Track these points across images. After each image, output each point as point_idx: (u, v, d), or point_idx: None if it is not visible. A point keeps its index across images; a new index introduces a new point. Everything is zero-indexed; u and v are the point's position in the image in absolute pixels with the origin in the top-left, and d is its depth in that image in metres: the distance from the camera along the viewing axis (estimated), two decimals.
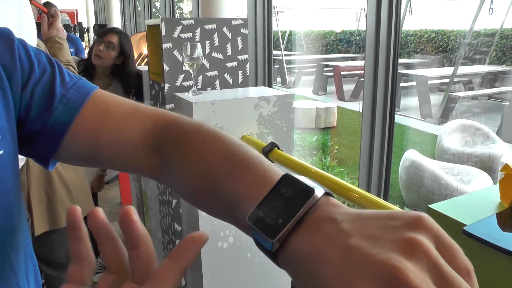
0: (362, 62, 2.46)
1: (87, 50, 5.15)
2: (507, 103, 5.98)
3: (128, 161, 0.55)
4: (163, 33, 1.84)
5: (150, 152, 0.53)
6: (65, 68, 0.57)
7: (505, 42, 7.79)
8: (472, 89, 7.38)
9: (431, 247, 0.27)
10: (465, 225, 0.60)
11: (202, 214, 1.56)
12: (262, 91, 1.84)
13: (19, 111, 0.52)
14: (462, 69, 7.29)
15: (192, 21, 1.91)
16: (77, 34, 6.91)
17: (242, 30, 2.01)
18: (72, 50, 3.29)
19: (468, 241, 0.58)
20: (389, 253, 0.26)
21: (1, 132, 0.49)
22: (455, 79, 6.69)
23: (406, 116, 6.94)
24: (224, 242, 1.61)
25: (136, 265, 0.30)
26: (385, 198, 2.18)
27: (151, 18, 6.58)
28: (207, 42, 1.94)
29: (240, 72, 2.04)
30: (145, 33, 2.32)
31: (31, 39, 1.39)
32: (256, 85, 3.14)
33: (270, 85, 3.16)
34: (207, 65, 1.96)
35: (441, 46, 9.87)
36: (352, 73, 9.95)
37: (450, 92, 6.25)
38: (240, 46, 2.02)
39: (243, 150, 0.46)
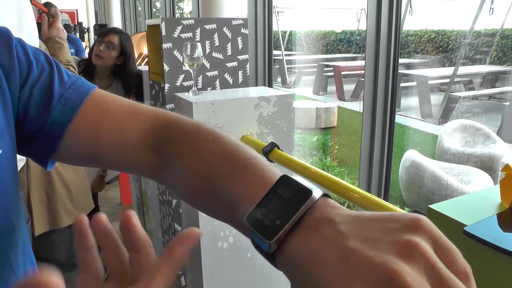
0: (362, 62, 2.46)
1: (87, 50, 5.16)
2: (507, 103, 5.98)
3: (128, 161, 0.55)
4: (163, 33, 1.84)
5: (150, 152, 0.53)
6: (63, 68, 0.57)
7: (506, 42, 7.78)
8: (472, 89, 7.38)
9: (428, 250, 0.27)
10: (465, 225, 0.60)
11: (202, 214, 1.55)
12: (262, 91, 1.83)
13: (18, 111, 0.52)
14: (463, 69, 7.29)
15: (192, 21, 1.91)
16: (77, 34, 6.91)
17: (243, 30, 2.01)
18: (72, 50, 3.29)
19: (468, 242, 0.58)
20: (386, 255, 0.26)
21: (0, 132, 0.49)
22: (456, 79, 6.68)
23: (406, 116, 6.94)
24: (224, 242, 1.61)
25: (137, 268, 0.30)
26: (385, 198, 2.18)
27: (151, 18, 6.58)
28: (207, 42, 1.94)
29: (240, 72, 2.04)
30: (145, 33, 2.32)
31: (32, 39, 1.39)
32: (256, 85, 3.14)
33: (270, 85, 3.15)
34: (207, 65, 1.96)
35: (442, 46, 9.87)
36: (353, 73, 9.95)
37: (451, 92, 6.25)
38: (240, 46, 2.01)
39: (242, 151, 0.46)
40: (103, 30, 2.67)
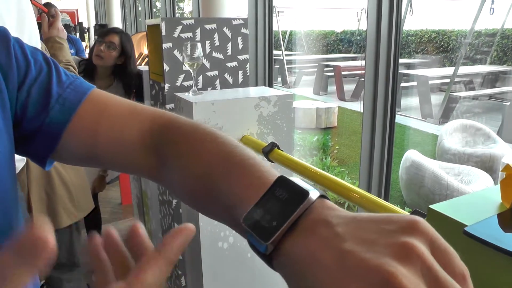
0: (362, 62, 2.46)
1: (87, 51, 5.16)
2: (508, 103, 5.97)
3: (126, 161, 0.55)
4: (163, 33, 1.84)
5: (148, 152, 0.53)
6: (62, 68, 0.57)
7: (506, 42, 7.78)
8: (473, 89, 7.37)
9: (425, 252, 0.27)
10: (466, 225, 0.60)
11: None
12: (262, 91, 1.83)
13: (16, 111, 0.52)
14: (463, 69, 7.28)
15: (192, 21, 1.90)
16: (78, 34, 6.92)
17: (243, 30, 2.01)
18: (72, 51, 3.29)
19: (468, 242, 0.58)
20: (383, 257, 0.26)
21: None
22: (456, 79, 6.68)
23: (406, 116, 6.94)
24: (224, 242, 1.61)
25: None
26: (386, 198, 2.17)
27: (151, 18, 6.58)
28: (207, 42, 1.94)
29: (240, 72, 2.04)
30: (145, 33, 2.32)
31: (32, 39, 1.39)
32: (256, 85, 3.14)
33: (270, 85, 3.15)
34: (208, 65, 1.96)
35: (442, 46, 9.86)
36: (353, 73, 9.95)
37: (451, 92, 6.24)
38: (240, 46, 2.01)
39: (240, 151, 0.45)
40: (103, 30, 2.67)
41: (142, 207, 2.94)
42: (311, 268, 0.29)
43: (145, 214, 2.93)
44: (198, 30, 1.91)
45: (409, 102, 7.52)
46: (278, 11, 10.43)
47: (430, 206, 0.65)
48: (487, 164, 3.93)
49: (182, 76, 1.92)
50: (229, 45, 1.99)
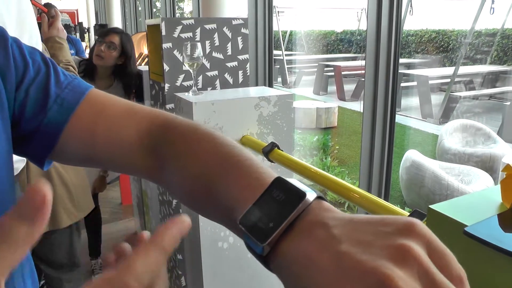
0: (362, 62, 2.46)
1: (87, 51, 5.15)
2: (508, 103, 5.97)
3: (124, 162, 0.55)
4: (163, 32, 1.84)
5: (146, 152, 0.53)
6: (60, 68, 0.57)
7: (506, 42, 7.78)
8: (473, 89, 7.37)
9: (422, 254, 0.26)
10: (466, 225, 0.60)
11: None
12: (262, 91, 1.83)
13: (14, 111, 0.52)
14: (463, 69, 7.28)
15: (192, 21, 1.90)
16: (78, 34, 6.91)
17: (243, 30, 2.00)
18: (72, 51, 3.29)
19: (469, 242, 0.58)
20: (379, 260, 0.26)
21: None
22: (456, 79, 6.68)
23: (407, 116, 6.93)
24: (224, 242, 1.61)
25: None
26: (386, 198, 2.17)
27: (151, 18, 6.58)
28: (207, 42, 1.94)
29: (240, 72, 2.04)
30: (145, 33, 2.32)
31: (33, 40, 1.39)
32: (256, 85, 3.13)
33: (270, 85, 3.15)
34: (207, 65, 1.96)
35: (442, 46, 9.86)
36: (353, 73, 9.94)
37: (451, 92, 6.24)
38: (240, 46, 2.01)
39: (238, 152, 0.45)
40: (104, 30, 2.67)
41: (142, 207, 2.94)
42: (308, 269, 0.29)
43: (145, 214, 2.93)
44: (198, 30, 1.91)
45: (409, 102, 7.51)
46: (278, 11, 10.43)
47: (430, 206, 0.65)
48: (487, 164, 3.93)
49: (182, 76, 1.92)
50: (229, 45, 1.99)
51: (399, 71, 2.12)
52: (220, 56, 1.98)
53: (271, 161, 1.36)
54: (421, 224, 0.28)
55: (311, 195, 0.33)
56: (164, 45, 1.85)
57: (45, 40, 1.84)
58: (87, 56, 2.98)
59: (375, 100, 2.05)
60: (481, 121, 5.19)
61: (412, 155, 3.80)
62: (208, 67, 1.96)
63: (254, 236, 0.33)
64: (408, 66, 9.40)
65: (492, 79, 7.63)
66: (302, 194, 0.33)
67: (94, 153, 0.55)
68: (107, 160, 0.55)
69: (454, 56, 9.33)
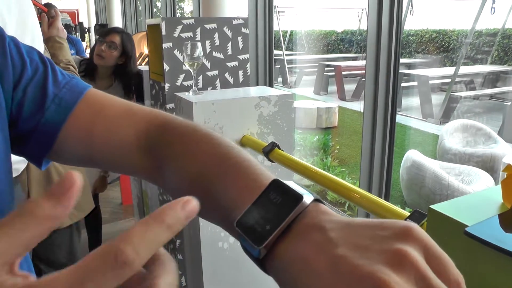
0: (363, 62, 2.45)
1: (88, 51, 5.16)
2: (508, 103, 5.97)
3: (122, 162, 0.55)
4: (164, 32, 1.84)
5: (144, 153, 0.52)
6: (58, 67, 0.57)
7: (507, 42, 7.77)
8: (473, 89, 7.36)
9: (419, 259, 0.26)
10: (466, 226, 0.59)
11: None
12: (262, 90, 1.83)
13: (11, 110, 0.52)
14: (464, 69, 7.28)
15: (192, 21, 1.90)
16: (78, 34, 6.91)
17: (243, 30, 2.00)
18: (72, 51, 3.29)
19: (469, 242, 0.58)
20: (376, 264, 0.26)
21: None
22: (457, 79, 6.68)
23: (407, 116, 6.93)
24: (224, 242, 1.61)
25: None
26: (386, 198, 2.17)
27: (152, 17, 6.58)
28: (207, 42, 1.93)
29: (240, 72, 2.04)
30: (145, 32, 2.32)
31: (35, 42, 1.39)
32: (257, 84, 3.13)
33: (271, 85, 3.15)
34: (208, 65, 1.96)
35: (443, 46, 9.85)
36: (354, 73, 9.94)
37: (452, 92, 6.24)
38: (240, 46, 2.01)
39: (236, 153, 0.45)
40: (104, 29, 2.67)
41: (143, 207, 2.94)
42: (304, 273, 0.29)
43: (145, 214, 2.93)
44: (198, 30, 1.91)
45: (410, 102, 7.51)
46: (278, 11, 10.43)
47: (430, 206, 0.65)
48: (488, 164, 3.92)
49: (182, 76, 1.92)
50: (230, 44, 1.99)
51: (400, 71, 2.12)
52: (221, 56, 1.98)
53: (272, 161, 1.36)
54: (418, 229, 0.28)
55: (308, 198, 0.33)
56: (165, 45, 1.85)
57: (45, 40, 1.84)
58: (87, 56, 2.98)
59: (376, 100, 2.05)
60: (481, 121, 5.19)
61: (412, 155, 3.80)
62: (209, 67, 1.96)
63: (251, 238, 0.32)
64: (409, 66, 9.40)
65: (493, 79, 7.62)
66: (299, 197, 0.33)
67: (92, 153, 0.54)
68: (105, 160, 0.55)
69: (455, 56, 9.32)
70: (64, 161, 0.59)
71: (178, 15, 7.93)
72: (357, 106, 8.07)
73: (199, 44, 1.64)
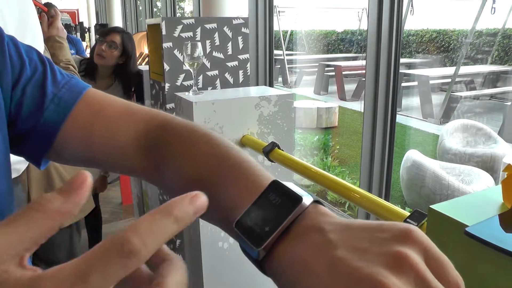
0: (363, 62, 2.45)
1: (88, 51, 5.16)
2: (509, 103, 5.97)
3: (121, 162, 0.54)
4: (164, 32, 1.84)
5: (143, 153, 0.52)
6: (57, 67, 0.56)
7: (508, 42, 7.77)
8: (474, 89, 7.36)
9: (419, 262, 0.26)
10: (467, 226, 0.59)
11: None
12: (263, 90, 1.83)
13: (10, 110, 0.51)
14: (464, 69, 7.28)
15: (192, 20, 1.90)
16: (78, 34, 6.92)
17: (243, 30, 2.00)
18: (73, 51, 3.29)
19: (470, 242, 0.58)
20: (375, 267, 0.26)
21: None
22: (457, 79, 6.67)
23: (407, 116, 6.93)
24: (224, 242, 1.61)
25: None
26: (386, 198, 2.17)
27: (152, 17, 6.58)
28: (207, 42, 1.93)
29: (241, 72, 2.04)
30: (146, 32, 2.32)
31: (36, 42, 1.39)
32: (257, 84, 3.13)
33: (271, 85, 3.15)
34: (208, 65, 1.95)
35: (443, 46, 9.85)
36: (354, 73, 9.94)
37: (452, 92, 6.24)
38: (241, 46, 2.01)
39: (235, 153, 0.45)
40: (105, 29, 2.67)
41: (143, 207, 2.94)
42: (303, 274, 0.29)
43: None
44: (199, 30, 1.91)
45: (410, 102, 7.51)
46: (279, 11, 10.43)
47: (431, 206, 0.65)
48: (488, 164, 3.92)
49: (182, 76, 1.92)
50: (230, 44, 1.99)
51: (400, 71, 2.12)
52: (221, 55, 1.98)
53: (272, 161, 1.36)
54: (418, 231, 0.28)
55: (307, 199, 0.33)
56: (165, 45, 1.85)
57: (45, 39, 1.84)
58: (87, 55, 2.98)
59: (376, 100, 2.05)
60: (482, 121, 5.19)
61: (412, 155, 3.80)
62: (209, 67, 1.96)
63: (250, 240, 0.32)
64: (409, 66, 9.40)
65: (493, 79, 7.62)
66: (299, 198, 0.33)
67: (92, 153, 0.54)
68: (104, 160, 0.55)
69: (455, 56, 9.32)
70: (64, 161, 0.58)
71: (178, 15, 7.93)
72: (357, 106, 8.07)
73: (199, 44, 1.64)
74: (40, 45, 1.44)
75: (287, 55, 11.39)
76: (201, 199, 0.26)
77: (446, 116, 6.05)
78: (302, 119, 7.07)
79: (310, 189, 4.20)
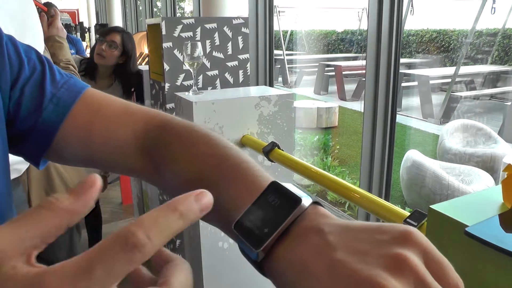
0: (363, 62, 2.45)
1: (88, 50, 5.15)
2: (509, 103, 5.97)
3: (120, 162, 0.54)
4: (164, 32, 1.84)
5: (142, 153, 0.52)
6: (56, 66, 0.56)
7: (508, 42, 7.76)
8: (474, 89, 7.36)
9: (419, 264, 0.26)
10: (467, 226, 0.59)
11: None
12: (263, 90, 1.83)
13: (8, 110, 0.51)
14: (464, 69, 7.27)
15: (192, 20, 1.90)
16: (78, 34, 6.92)
17: (243, 29, 2.00)
18: (73, 51, 3.29)
19: (470, 243, 0.58)
20: (374, 269, 0.26)
21: None
22: (457, 79, 6.67)
23: (407, 116, 6.93)
24: (224, 242, 1.61)
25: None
26: (386, 198, 2.17)
27: (152, 17, 6.57)
28: (207, 41, 1.93)
29: (241, 72, 2.04)
30: (146, 32, 2.32)
31: (36, 42, 1.38)
32: (257, 84, 3.13)
33: (271, 85, 3.15)
34: (208, 65, 1.95)
35: (443, 46, 9.85)
36: (354, 73, 9.94)
37: (452, 92, 6.23)
38: (241, 46, 2.01)
39: (234, 154, 0.45)
40: (105, 29, 2.67)
41: (143, 207, 2.94)
42: (302, 276, 0.29)
43: None
44: (198, 30, 1.91)
45: (410, 102, 7.51)
46: (279, 11, 10.43)
47: (431, 206, 0.65)
48: (488, 164, 3.92)
49: (182, 76, 1.92)
50: (230, 44, 1.99)
51: (400, 71, 2.12)
52: (221, 55, 1.98)
53: (272, 161, 1.36)
54: (417, 233, 0.28)
55: (306, 201, 0.33)
56: (165, 45, 1.85)
57: (45, 39, 1.84)
58: (87, 55, 2.98)
59: (376, 100, 2.05)
60: (482, 121, 5.19)
61: (412, 155, 3.80)
62: (209, 67, 1.96)
63: (249, 241, 0.32)
64: (409, 66, 9.40)
65: (493, 79, 7.62)
66: (298, 199, 0.33)
67: (91, 153, 0.54)
68: (103, 160, 0.55)
69: (455, 56, 9.32)
70: (63, 161, 0.58)
71: (178, 15, 7.93)
72: (357, 106, 8.07)
73: (199, 43, 1.64)
74: (40, 45, 1.44)
75: (287, 55, 11.39)
76: (207, 197, 0.26)
77: (446, 116, 6.04)
78: (302, 119, 7.07)
79: (310, 189, 4.20)
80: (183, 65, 1.86)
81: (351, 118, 7.93)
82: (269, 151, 1.35)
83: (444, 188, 3.46)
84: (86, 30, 8.60)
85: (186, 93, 1.68)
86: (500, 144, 4.18)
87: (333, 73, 9.69)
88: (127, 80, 2.48)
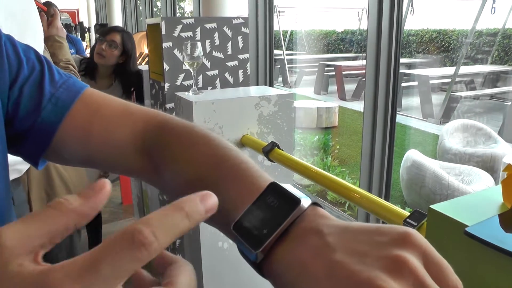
0: (363, 62, 2.45)
1: (88, 50, 5.15)
2: (509, 103, 5.97)
3: (119, 163, 0.54)
4: (163, 32, 1.84)
5: (141, 154, 0.52)
6: (55, 66, 0.56)
7: (508, 42, 7.76)
8: (474, 89, 7.36)
9: (418, 266, 0.26)
10: (467, 226, 0.59)
11: None
12: (262, 90, 1.83)
13: (7, 109, 0.51)
14: (464, 69, 7.27)
15: (192, 20, 1.90)
16: (78, 34, 6.91)
17: (243, 29, 2.00)
18: (72, 51, 3.29)
19: (470, 243, 0.57)
20: (373, 271, 0.26)
21: None
22: (457, 79, 6.67)
23: (407, 116, 6.93)
24: (224, 242, 1.61)
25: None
26: (386, 198, 2.17)
27: (152, 17, 6.57)
28: (207, 41, 1.93)
29: (240, 71, 2.04)
30: (146, 32, 2.33)
31: (37, 42, 1.38)
32: (257, 84, 3.13)
33: (271, 85, 3.15)
34: (208, 64, 1.95)
35: (443, 46, 9.85)
36: (354, 72, 9.94)
37: (452, 92, 6.23)
38: (241, 45, 2.01)
39: (233, 155, 0.45)
40: (105, 28, 2.67)
41: (143, 207, 2.94)
42: (301, 277, 0.29)
43: (145, 214, 2.92)
44: (198, 29, 1.91)
45: (410, 101, 7.51)
46: (279, 11, 10.43)
47: (430, 206, 0.65)
48: (488, 164, 3.92)
49: (182, 76, 1.92)
50: (229, 44, 1.99)
51: (400, 70, 2.12)
52: (220, 55, 1.98)
53: (271, 161, 1.36)
54: (417, 234, 0.28)
55: (306, 201, 0.33)
56: (164, 45, 1.85)
57: (45, 39, 1.84)
58: (87, 55, 2.98)
59: (376, 100, 2.05)
60: (482, 121, 5.19)
61: (412, 155, 3.80)
62: (208, 67, 1.96)
63: (248, 242, 0.32)
64: (409, 66, 9.40)
65: (493, 79, 7.62)
66: (297, 200, 0.32)
67: (90, 153, 0.54)
68: (102, 160, 0.55)
69: (455, 56, 9.32)
70: (62, 161, 0.58)
71: (178, 14, 7.92)
72: (357, 106, 8.06)
73: (199, 43, 1.64)
74: (40, 43, 1.44)
75: (287, 55, 11.39)
76: (212, 199, 0.26)
77: (446, 116, 6.04)
78: (302, 119, 7.07)
79: (310, 189, 4.20)
80: (183, 65, 1.86)
81: (351, 118, 7.93)
82: (269, 151, 1.35)
83: (444, 188, 3.46)
84: (86, 30, 8.59)
85: (186, 93, 1.68)
86: (500, 144, 4.18)
87: (333, 73, 9.69)
88: (127, 80, 2.47)
